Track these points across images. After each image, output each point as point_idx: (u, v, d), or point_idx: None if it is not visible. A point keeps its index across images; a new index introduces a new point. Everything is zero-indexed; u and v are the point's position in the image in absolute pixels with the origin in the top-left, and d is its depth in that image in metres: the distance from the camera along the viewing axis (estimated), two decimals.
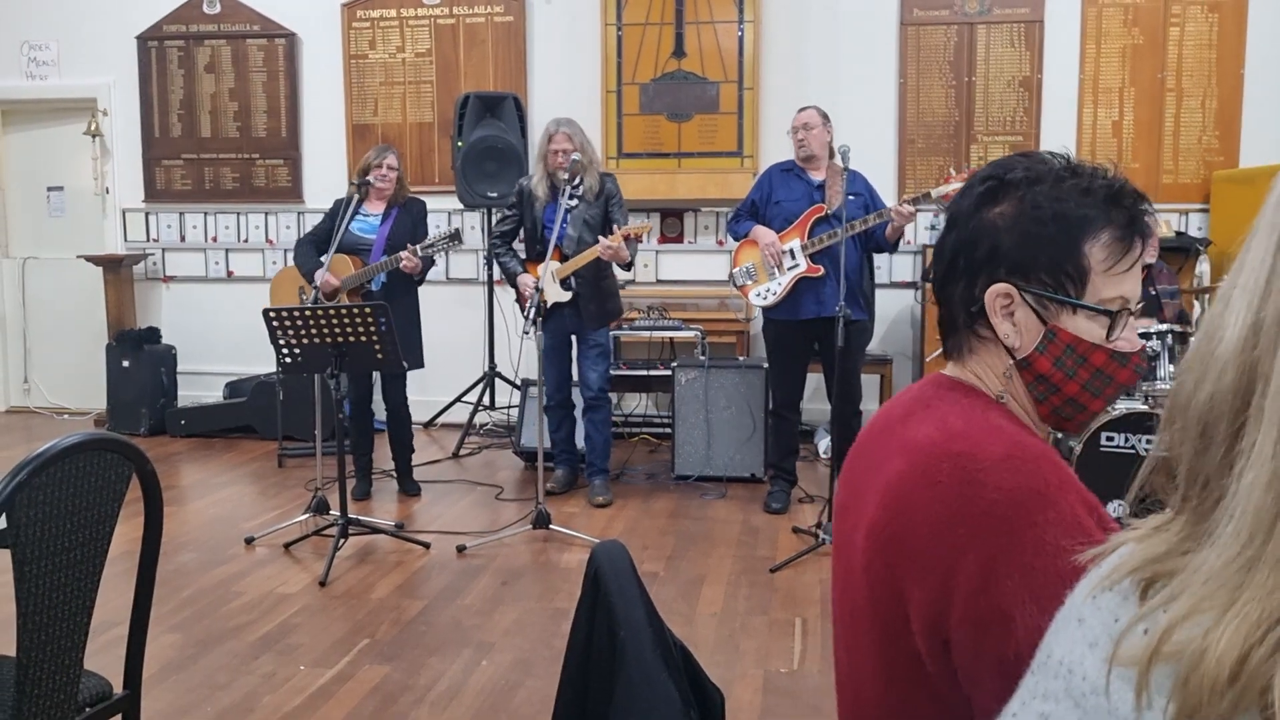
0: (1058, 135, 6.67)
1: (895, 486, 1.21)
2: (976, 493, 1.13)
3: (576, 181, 5.14)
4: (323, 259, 5.26)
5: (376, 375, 5.53)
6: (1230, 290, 0.73)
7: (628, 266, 5.35)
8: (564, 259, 5.17)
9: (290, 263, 6.00)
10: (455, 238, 5.19)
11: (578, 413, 5.56)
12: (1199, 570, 0.68)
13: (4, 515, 1.75)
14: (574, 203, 5.11)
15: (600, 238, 5.10)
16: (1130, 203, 1.27)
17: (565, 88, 6.97)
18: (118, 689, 2.17)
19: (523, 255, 5.41)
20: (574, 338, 5.42)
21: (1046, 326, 1.25)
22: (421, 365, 5.48)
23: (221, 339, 7.54)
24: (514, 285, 5.38)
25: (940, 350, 5.12)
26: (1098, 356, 1.26)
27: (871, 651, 1.24)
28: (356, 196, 5.27)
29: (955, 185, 5.00)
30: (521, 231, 5.43)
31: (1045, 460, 1.17)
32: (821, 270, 4.99)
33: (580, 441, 5.61)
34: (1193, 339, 0.76)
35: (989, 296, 1.26)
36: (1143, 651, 0.67)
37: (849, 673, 1.33)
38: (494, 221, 5.59)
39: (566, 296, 5.23)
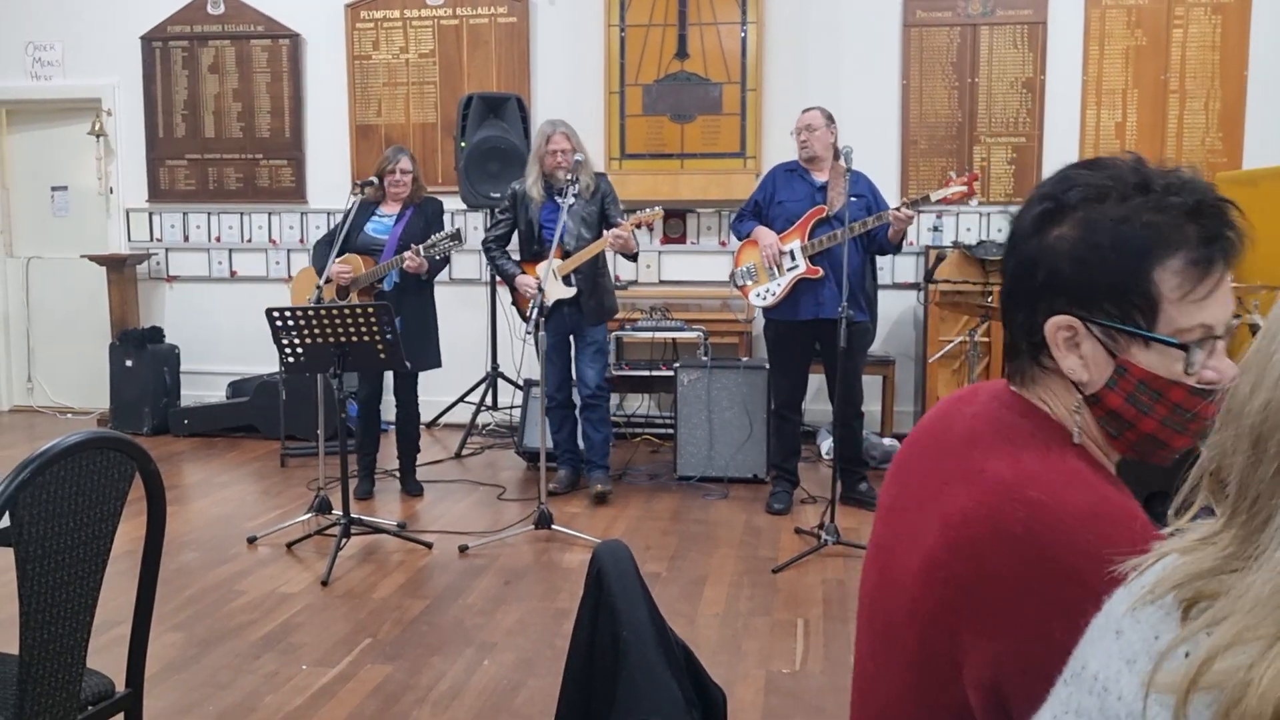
0: (1061, 137, 6.68)
1: (960, 524, 1.12)
2: (1060, 555, 1.03)
3: (574, 179, 5.17)
4: (332, 259, 5.28)
5: (388, 375, 5.53)
6: None
7: (633, 257, 5.38)
8: (566, 256, 5.20)
9: (303, 264, 6.00)
10: (455, 238, 5.19)
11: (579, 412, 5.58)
12: (1245, 595, 0.65)
13: (7, 513, 1.75)
14: (572, 201, 5.13)
15: (615, 228, 5.17)
16: (1210, 218, 1.12)
17: (568, 89, 6.98)
18: (120, 687, 2.18)
19: (516, 258, 5.43)
20: (571, 336, 5.44)
21: (1116, 361, 1.14)
22: (438, 364, 5.48)
23: (224, 339, 7.55)
24: (511, 287, 5.40)
25: (943, 352, 5.07)
26: (1176, 392, 1.13)
27: (905, 673, 1.18)
28: (360, 198, 5.29)
29: (955, 189, 5.00)
30: (515, 235, 5.45)
31: (1132, 518, 1.08)
32: (820, 272, 4.99)
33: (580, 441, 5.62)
34: (1255, 337, 0.72)
35: (1050, 329, 1.15)
36: (1182, 678, 0.64)
37: (875, 682, 1.27)
38: (487, 226, 5.59)
39: (570, 293, 5.26)
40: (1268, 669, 0.61)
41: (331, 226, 5.63)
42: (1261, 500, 0.67)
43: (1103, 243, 1.12)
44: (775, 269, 5.07)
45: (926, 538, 1.16)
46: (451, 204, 6.89)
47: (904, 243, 5.11)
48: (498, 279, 6.93)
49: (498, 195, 6.51)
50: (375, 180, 5.37)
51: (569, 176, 5.12)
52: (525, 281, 5.24)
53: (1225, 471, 0.72)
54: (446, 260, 5.37)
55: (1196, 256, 1.10)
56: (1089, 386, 1.16)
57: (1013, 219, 1.23)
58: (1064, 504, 1.06)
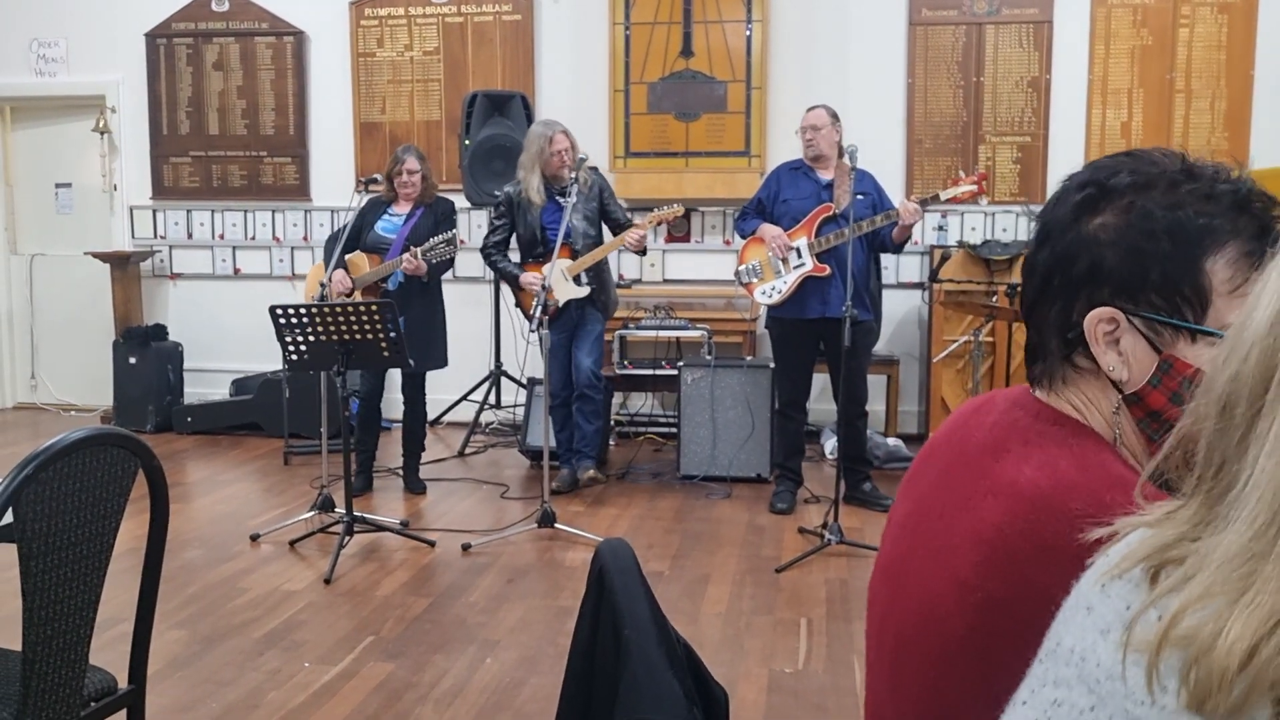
0: (1066, 136, 6.67)
1: (995, 540, 1.05)
2: None
3: (575, 178, 5.19)
4: (348, 258, 5.29)
5: (393, 372, 5.53)
6: (1273, 269, 0.72)
7: (643, 253, 5.43)
8: (574, 256, 5.20)
9: (306, 261, 6.00)
10: (451, 242, 5.18)
11: None
12: (1212, 554, 0.67)
13: (10, 510, 1.75)
14: (573, 199, 5.13)
15: (635, 228, 5.20)
16: (1260, 209, 1.07)
17: (573, 87, 6.98)
18: (123, 684, 2.18)
19: (516, 260, 5.44)
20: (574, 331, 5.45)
21: (1160, 356, 1.06)
22: (444, 364, 5.50)
23: (228, 336, 7.55)
24: (516, 287, 5.40)
25: (947, 352, 5.05)
26: None
27: (923, 695, 1.14)
28: (370, 195, 5.30)
29: (965, 188, 4.99)
30: (515, 238, 5.45)
31: None
32: (828, 270, 4.98)
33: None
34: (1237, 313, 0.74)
35: (1089, 322, 1.08)
36: (1154, 636, 0.66)
37: (887, 708, 1.21)
38: (486, 233, 5.60)
39: (584, 292, 5.28)
40: (1234, 622, 0.63)
41: (339, 224, 5.63)
42: (1228, 464, 0.69)
43: (1155, 230, 1.06)
44: (782, 265, 5.05)
45: (953, 557, 1.09)
46: (456, 202, 6.90)
47: (908, 242, 5.11)
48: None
49: (501, 194, 6.52)
50: (379, 178, 5.38)
51: (572, 175, 5.13)
52: (531, 279, 5.23)
53: (1195, 439, 0.73)
54: (450, 262, 5.34)
55: (1251, 248, 1.04)
56: (1129, 385, 1.08)
57: (1042, 211, 1.15)
58: (1109, 513, 0.97)
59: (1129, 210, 1.07)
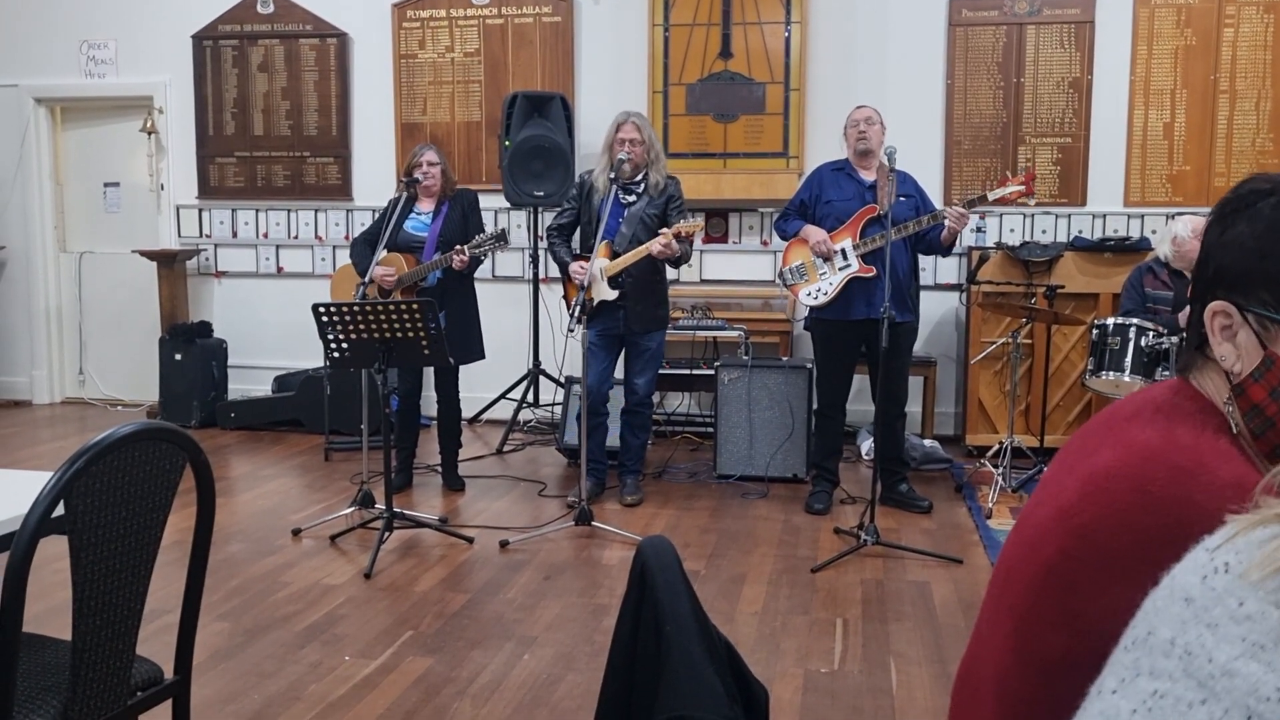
0: (1107, 137, 6.61)
1: (1099, 479, 1.14)
2: (1195, 514, 1.03)
3: (639, 177, 5.12)
4: (381, 258, 5.33)
5: (429, 370, 5.57)
6: None
7: (677, 264, 5.26)
8: (614, 256, 5.10)
9: (346, 260, 6.05)
10: (501, 238, 5.21)
11: (613, 412, 5.48)
12: None
13: (62, 502, 1.79)
14: (632, 198, 5.09)
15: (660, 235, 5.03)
16: None
17: (612, 88, 7.00)
18: (168, 675, 2.21)
19: (577, 249, 5.30)
20: (624, 341, 5.31)
21: (1265, 352, 1.11)
22: (482, 356, 5.53)
23: (271, 333, 7.65)
24: (564, 275, 5.32)
25: (985, 354, 5.08)
26: None
27: (1009, 620, 1.21)
28: (406, 195, 5.34)
29: (1013, 188, 4.96)
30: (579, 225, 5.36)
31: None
32: (874, 271, 4.94)
33: (612, 439, 5.53)
34: None
35: (1208, 315, 1.16)
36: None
37: (983, 639, 1.29)
38: (554, 214, 5.54)
39: (613, 295, 5.10)
40: None
41: (374, 224, 5.67)
42: None
43: (1261, 230, 1.13)
44: (827, 267, 5.03)
45: (1066, 493, 1.18)
46: (495, 202, 6.95)
47: (955, 245, 5.08)
48: (542, 276, 6.98)
49: (541, 194, 6.55)
50: (419, 179, 5.40)
51: (640, 173, 5.06)
52: (577, 267, 5.10)
53: None
54: (481, 260, 5.39)
55: None
56: (1238, 377, 1.14)
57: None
58: (1209, 470, 1.07)
59: (1254, 218, 1.14)
